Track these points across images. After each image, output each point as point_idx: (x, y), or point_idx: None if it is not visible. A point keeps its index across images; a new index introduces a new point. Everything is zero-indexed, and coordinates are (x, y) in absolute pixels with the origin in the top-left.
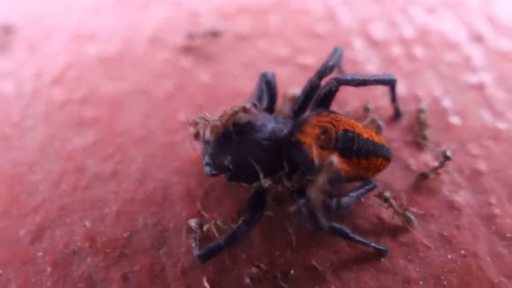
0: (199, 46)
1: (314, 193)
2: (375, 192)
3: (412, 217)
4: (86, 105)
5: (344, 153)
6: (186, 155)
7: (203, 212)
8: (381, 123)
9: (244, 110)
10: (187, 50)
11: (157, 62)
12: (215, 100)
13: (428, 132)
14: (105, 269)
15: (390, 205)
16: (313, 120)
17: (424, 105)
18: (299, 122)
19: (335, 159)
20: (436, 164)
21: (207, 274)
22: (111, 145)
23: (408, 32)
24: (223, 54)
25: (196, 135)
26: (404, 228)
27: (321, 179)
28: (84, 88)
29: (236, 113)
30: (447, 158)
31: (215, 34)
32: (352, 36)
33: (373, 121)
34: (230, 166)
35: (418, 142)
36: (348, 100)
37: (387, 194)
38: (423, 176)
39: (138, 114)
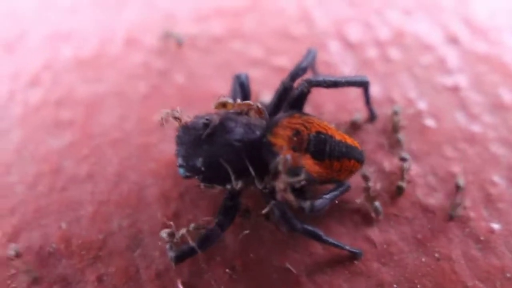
0: (174, 48)
1: (279, 191)
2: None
3: (380, 207)
4: (62, 107)
5: (317, 155)
6: (162, 157)
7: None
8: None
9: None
10: (162, 51)
11: (133, 64)
12: (190, 101)
13: (402, 135)
14: (80, 271)
15: (367, 187)
16: (284, 121)
17: (398, 107)
18: (271, 124)
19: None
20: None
21: (182, 277)
22: (87, 147)
23: (384, 34)
24: (197, 56)
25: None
26: (378, 230)
27: (281, 176)
28: (60, 90)
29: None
30: (403, 160)
31: (179, 44)
32: (328, 38)
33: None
34: (202, 168)
35: (392, 145)
36: (323, 104)
37: (367, 173)
38: (400, 190)
39: (114, 115)
